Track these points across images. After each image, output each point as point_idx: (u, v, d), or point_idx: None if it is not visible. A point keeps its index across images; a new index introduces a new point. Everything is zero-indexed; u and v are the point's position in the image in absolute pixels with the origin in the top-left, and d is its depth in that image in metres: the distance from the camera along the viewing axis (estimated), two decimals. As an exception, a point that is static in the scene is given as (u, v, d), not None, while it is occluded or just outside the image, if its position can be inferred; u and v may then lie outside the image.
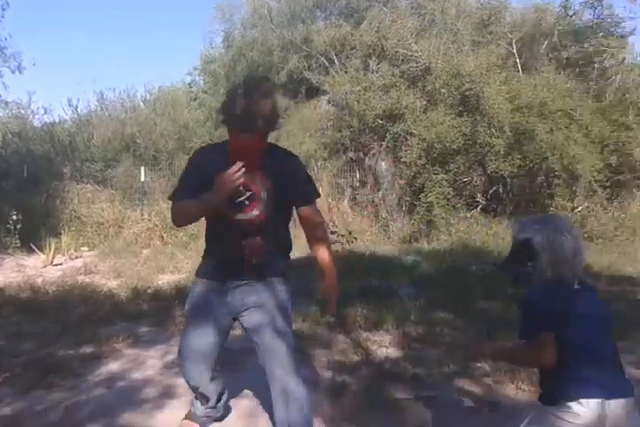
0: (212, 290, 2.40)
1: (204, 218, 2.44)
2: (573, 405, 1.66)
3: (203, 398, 2.60)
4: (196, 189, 2.26)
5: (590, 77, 10.65)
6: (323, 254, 2.43)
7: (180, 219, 2.48)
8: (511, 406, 2.93)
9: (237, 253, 2.31)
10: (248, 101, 2.20)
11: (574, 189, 9.05)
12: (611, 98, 9.99)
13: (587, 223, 8.68)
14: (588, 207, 8.95)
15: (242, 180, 2.16)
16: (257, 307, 2.35)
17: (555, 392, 1.73)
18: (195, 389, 2.57)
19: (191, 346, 2.45)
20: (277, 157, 2.38)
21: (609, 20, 11.22)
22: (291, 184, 2.33)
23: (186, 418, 2.71)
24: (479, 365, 3.49)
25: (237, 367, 3.41)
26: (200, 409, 2.66)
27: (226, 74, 14.82)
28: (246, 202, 2.27)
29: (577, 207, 9.05)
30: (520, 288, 1.99)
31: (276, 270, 2.39)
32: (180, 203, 2.37)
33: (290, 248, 2.52)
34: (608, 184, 9.19)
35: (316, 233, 2.47)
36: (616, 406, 1.67)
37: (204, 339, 2.41)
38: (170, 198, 2.45)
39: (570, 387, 1.70)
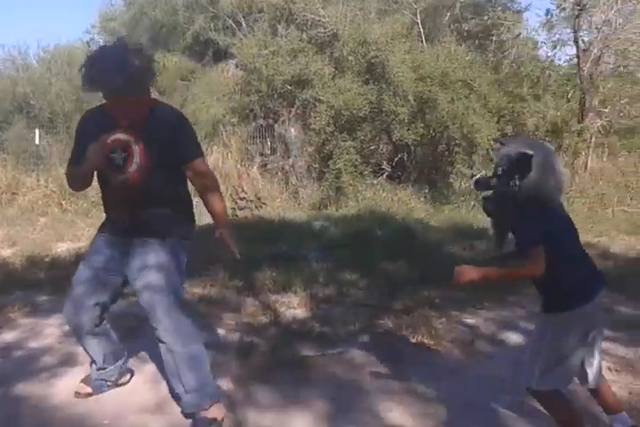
0: (105, 243, 2.47)
1: None
2: (583, 306, 1.95)
3: (88, 353, 2.62)
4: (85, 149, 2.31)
5: (489, 50, 11.09)
6: (216, 205, 2.46)
7: (71, 184, 2.55)
8: (413, 358, 3.11)
9: (120, 213, 2.41)
10: (116, 62, 2.17)
11: (473, 157, 9.49)
12: (507, 70, 10.48)
13: (483, 190, 9.16)
14: (485, 174, 9.44)
15: (110, 143, 2.26)
16: (139, 268, 2.38)
17: (565, 301, 1.95)
18: (78, 340, 2.60)
19: (75, 288, 2.47)
20: (160, 114, 2.38)
21: (506, -6, 11.71)
22: (174, 143, 2.33)
23: (82, 382, 2.70)
24: (382, 321, 3.67)
25: (141, 333, 3.37)
26: (94, 371, 2.65)
27: (127, 33, 14.05)
28: (121, 163, 2.31)
29: (476, 175, 9.52)
30: (491, 206, 2.02)
31: (161, 230, 2.40)
32: (69, 168, 2.46)
33: (183, 209, 2.52)
34: (503, 152, 9.69)
35: (205, 184, 2.47)
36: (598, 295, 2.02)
37: (88, 283, 2.45)
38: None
39: (576, 293, 1.95)
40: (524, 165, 1.87)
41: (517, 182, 1.87)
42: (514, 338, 3.45)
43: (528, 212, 1.91)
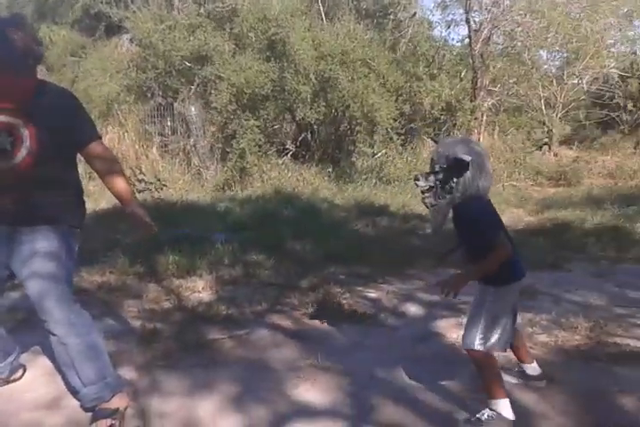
0: None
1: None
2: (517, 282, 2.29)
3: None
4: None
5: (386, 29, 11.30)
6: (120, 184, 2.37)
7: None
8: (318, 334, 3.17)
9: (5, 200, 2.22)
10: None
11: (374, 136, 9.71)
12: (404, 49, 10.75)
13: (385, 168, 9.43)
14: (386, 153, 9.70)
15: None
16: (27, 256, 2.24)
17: (505, 276, 2.23)
18: None
19: None
20: (48, 95, 2.23)
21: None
22: (67, 125, 2.21)
23: None
24: (288, 300, 3.70)
25: (35, 326, 3.18)
26: None
27: (8, 5, 13.00)
28: (8, 147, 2.14)
29: (377, 153, 9.75)
30: (429, 200, 2.21)
31: (50, 218, 2.28)
32: None
33: (74, 194, 2.40)
34: (403, 131, 10.01)
35: (106, 167, 2.37)
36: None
37: None
38: None
39: (515, 271, 2.28)
40: (460, 166, 2.10)
41: (455, 180, 2.12)
42: (414, 310, 3.61)
43: (476, 207, 2.17)
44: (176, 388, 2.60)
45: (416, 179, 2.24)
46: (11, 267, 2.29)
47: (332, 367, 2.75)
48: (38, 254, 2.23)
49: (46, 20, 13.73)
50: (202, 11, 10.29)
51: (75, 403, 2.39)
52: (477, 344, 2.23)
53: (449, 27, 11.76)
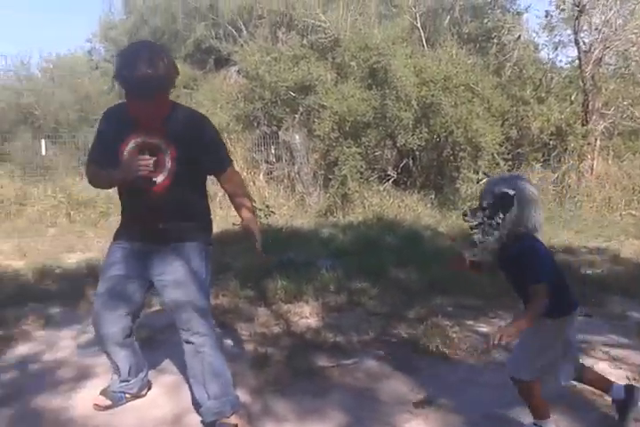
0: (124, 251, 2.44)
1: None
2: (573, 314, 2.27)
3: (113, 365, 2.60)
4: (108, 147, 2.34)
5: (490, 53, 11.11)
6: (247, 205, 2.46)
7: (95, 183, 2.54)
8: (429, 368, 3.11)
9: (144, 219, 2.35)
10: (137, 66, 2.12)
11: (478, 161, 9.50)
12: (509, 73, 10.49)
13: (490, 194, 9.17)
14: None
15: (147, 170, 2.21)
16: (169, 272, 2.36)
17: (559, 309, 2.18)
18: (105, 351, 2.57)
19: (102, 299, 2.44)
20: (182, 118, 2.35)
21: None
22: (204, 148, 2.33)
23: (101, 394, 2.69)
24: (395, 331, 3.67)
25: (159, 345, 3.38)
26: (115, 383, 2.66)
27: (128, 42, 14.14)
28: (151, 168, 2.25)
29: (482, 179, 9.52)
30: (477, 237, 2.18)
31: (187, 236, 2.39)
32: (95, 168, 2.42)
33: (206, 214, 2.53)
34: (509, 157, 9.71)
35: (237, 190, 2.49)
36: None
37: (115, 293, 2.42)
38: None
39: (570, 303, 2.27)
40: (505, 200, 2.09)
41: (501, 216, 2.10)
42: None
43: (522, 246, 2.13)
44: (288, 414, 2.65)
45: (464, 214, 2.24)
46: (150, 281, 2.43)
47: (444, 404, 2.69)
48: (182, 268, 2.35)
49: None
50: (305, 42, 10.65)
51: (196, 420, 2.50)
52: (523, 373, 2.27)
53: (556, 48, 11.34)
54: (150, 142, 2.27)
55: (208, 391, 2.38)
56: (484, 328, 3.76)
